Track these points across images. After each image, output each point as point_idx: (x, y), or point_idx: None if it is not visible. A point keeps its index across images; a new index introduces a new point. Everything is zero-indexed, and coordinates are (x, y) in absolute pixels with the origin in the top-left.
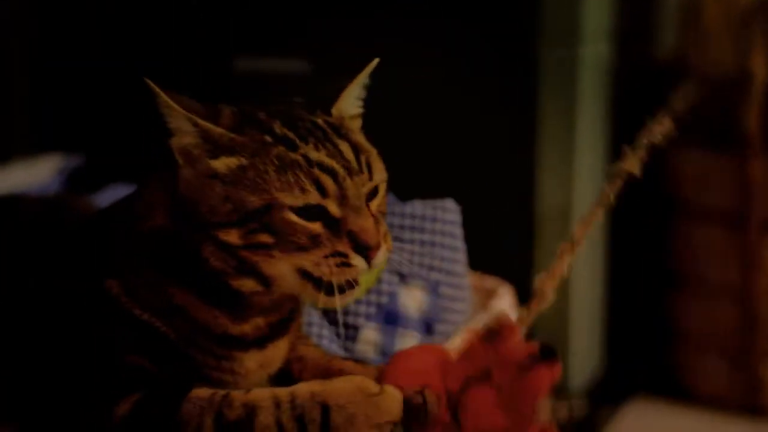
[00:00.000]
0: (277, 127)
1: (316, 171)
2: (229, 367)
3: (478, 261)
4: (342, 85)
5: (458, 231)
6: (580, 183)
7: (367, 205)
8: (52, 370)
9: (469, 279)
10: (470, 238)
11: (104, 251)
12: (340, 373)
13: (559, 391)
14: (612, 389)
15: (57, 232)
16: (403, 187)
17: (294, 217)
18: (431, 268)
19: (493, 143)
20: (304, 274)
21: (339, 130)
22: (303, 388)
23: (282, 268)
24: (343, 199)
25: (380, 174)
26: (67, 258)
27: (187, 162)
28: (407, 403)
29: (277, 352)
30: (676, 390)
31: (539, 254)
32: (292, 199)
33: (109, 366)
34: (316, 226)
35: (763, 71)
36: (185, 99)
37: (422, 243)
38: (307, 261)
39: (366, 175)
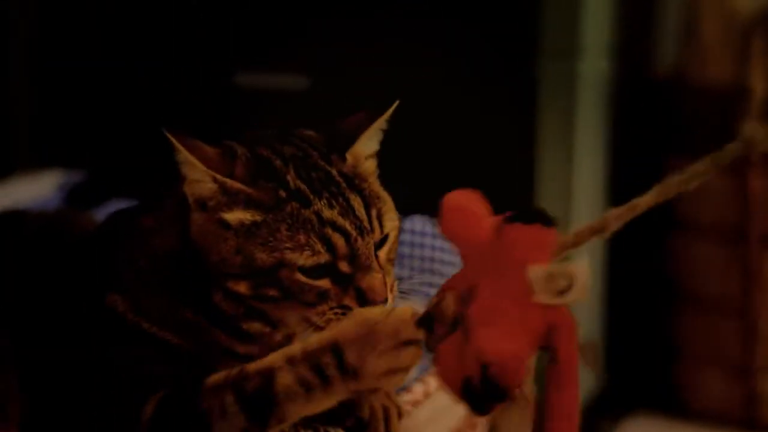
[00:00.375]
0: (291, 179)
1: (329, 231)
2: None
3: None
4: (360, 127)
5: None
6: (579, 196)
7: (377, 256)
8: (65, 383)
9: None
10: None
11: (108, 266)
12: None
13: None
14: (612, 405)
15: (61, 246)
16: (402, 202)
17: (302, 278)
18: (431, 285)
19: (493, 157)
20: (310, 322)
21: (353, 181)
22: (311, 339)
23: (288, 316)
24: (353, 259)
25: (392, 223)
26: (70, 272)
27: (200, 209)
28: (426, 314)
29: None
30: (676, 405)
31: None
32: (302, 259)
33: (124, 376)
34: (325, 283)
35: (762, 85)
36: (199, 145)
37: (422, 259)
38: (312, 313)
39: (378, 231)
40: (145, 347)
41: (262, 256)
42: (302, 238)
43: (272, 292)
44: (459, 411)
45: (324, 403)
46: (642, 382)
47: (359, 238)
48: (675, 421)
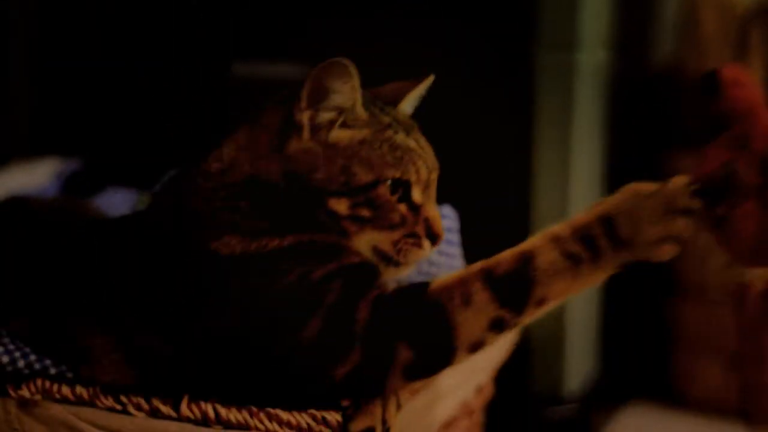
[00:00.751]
0: (383, 113)
1: (415, 156)
2: None
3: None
4: (401, 92)
5: (456, 238)
6: (577, 188)
7: None
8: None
9: None
10: (467, 241)
11: (189, 216)
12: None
13: (554, 396)
14: (608, 393)
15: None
16: None
17: (391, 196)
18: (428, 275)
19: (491, 148)
20: (377, 251)
21: (414, 126)
22: (578, 216)
23: (362, 244)
24: (424, 188)
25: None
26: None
27: (313, 131)
28: (710, 179)
29: None
30: (671, 395)
31: None
32: (398, 174)
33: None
34: (403, 207)
35: (760, 77)
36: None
37: None
38: (387, 239)
39: (436, 172)
40: (289, 261)
41: (364, 172)
42: (397, 156)
43: (364, 212)
44: (457, 399)
45: (590, 279)
46: (638, 372)
47: (431, 172)
48: (670, 410)
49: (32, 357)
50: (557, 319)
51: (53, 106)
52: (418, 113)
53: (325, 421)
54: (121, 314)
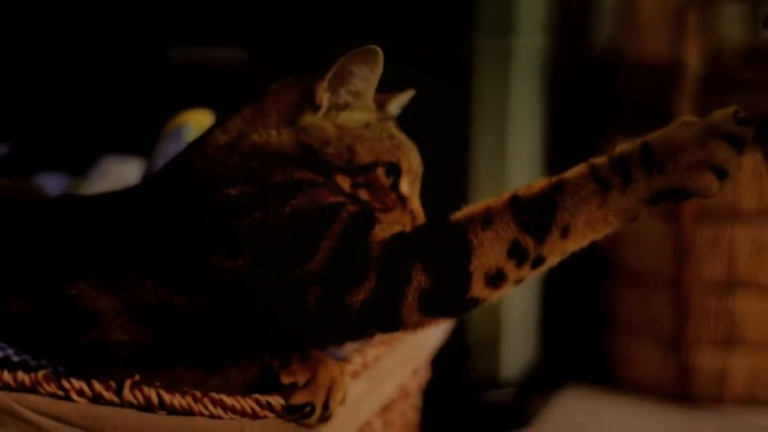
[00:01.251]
0: (383, 106)
1: (406, 148)
2: None
3: None
4: (388, 98)
5: None
6: (515, 171)
7: None
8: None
9: None
10: None
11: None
12: (306, 356)
13: (492, 381)
14: (545, 378)
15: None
16: None
17: (385, 179)
18: None
19: (428, 132)
20: None
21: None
22: (625, 146)
23: None
24: (412, 181)
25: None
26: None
27: (329, 109)
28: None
29: None
30: (608, 378)
31: None
32: (393, 159)
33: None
34: (395, 195)
35: (696, 62)
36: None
37: None
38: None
39: (421, 170)
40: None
41: (365, 154)
42: (393, 144)
43: (363, 194)
44: (394, 382)
45: (618, 209)
46: (575, 355)
47: (419, 167)
48: (608, 394)
49: None
50: (494, 304)
51: None
52: None
53: (269, 406)
54: (123, 273)
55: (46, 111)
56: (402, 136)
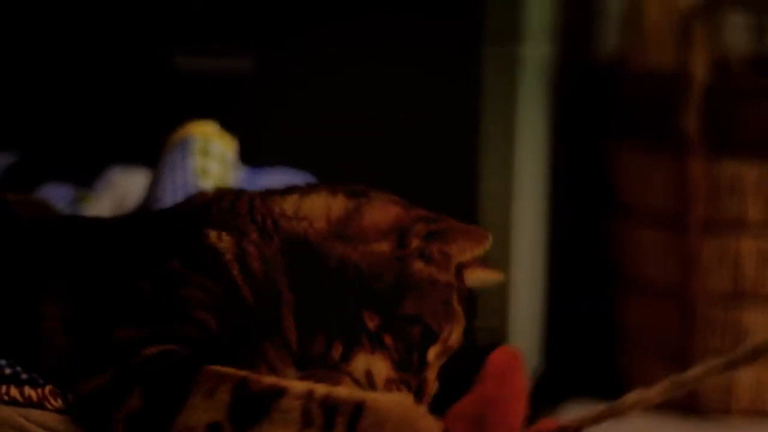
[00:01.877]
0: None
1: (457, 319)
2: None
3: None
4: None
5: None
6: (521, 180)
7: None
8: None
9: None
10: None
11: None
12: None
13: None
14: (551, 389)
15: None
16: (353, 179)
17: (419, 338)
18: None
19: (436, 140)
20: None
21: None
22: (343, 390)
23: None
24: (440, 353)
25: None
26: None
27: None
28: None
29: None
30: (616, 390)
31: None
32: (436, 326)
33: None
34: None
35: (702, 71)
36: None
37: None
38: (385, 374)
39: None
40: (218, 290)
41: (413, 306)
42: (447, 310)
43: (388, 340)
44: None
45: None
46: (582, 367)
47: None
48: None
49: None
50: (501, 313)
51: None
52: (363, 105)
53: None
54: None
55: (52, 120)
56: None
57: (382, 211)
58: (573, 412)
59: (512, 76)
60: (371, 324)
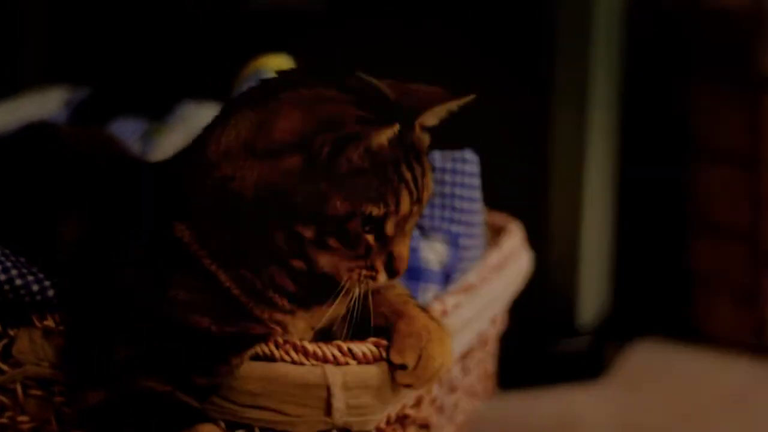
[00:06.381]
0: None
1: (403, 189)
2: (280, 330)
3: (489, 198)
4: (432, 101)
5: (477, 182)
6: (594, 126)
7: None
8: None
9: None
10: (483, 177)
11: (176, 194)
12: (409, 320)
13: (568, 328)
14: (621, 327)
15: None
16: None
17: (361, 229)
18: (452, 220)
19: (506, 90)
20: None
21: (420, 153)
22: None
23: (328, 266)
24: (400, 222)
25: (428, 192)
26: (137, 196)
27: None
28: None
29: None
30: (685, 329)
31: (551, 195)
32: (375, 210)
33: (168, 319)
34: (371, 239)
35: None
36: None
37: (442, 195)
38: (344, 266)
39: (423, 202)
40: (200, 286)
41: (342, 203)
42: (383, 190)
43: (332, 242)
44: (473, 329)
45: None
46: (651, 306)
47: (413, 204)
48: (683, 345)
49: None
50: (571, 250)
51: (65, 35)
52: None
53: (351, 353)
54: None
55: (125, 56)
56: (406, 173)
57: (287, 120)
58: (643, 349)
59: (586, 17)
60: (308, 234)
